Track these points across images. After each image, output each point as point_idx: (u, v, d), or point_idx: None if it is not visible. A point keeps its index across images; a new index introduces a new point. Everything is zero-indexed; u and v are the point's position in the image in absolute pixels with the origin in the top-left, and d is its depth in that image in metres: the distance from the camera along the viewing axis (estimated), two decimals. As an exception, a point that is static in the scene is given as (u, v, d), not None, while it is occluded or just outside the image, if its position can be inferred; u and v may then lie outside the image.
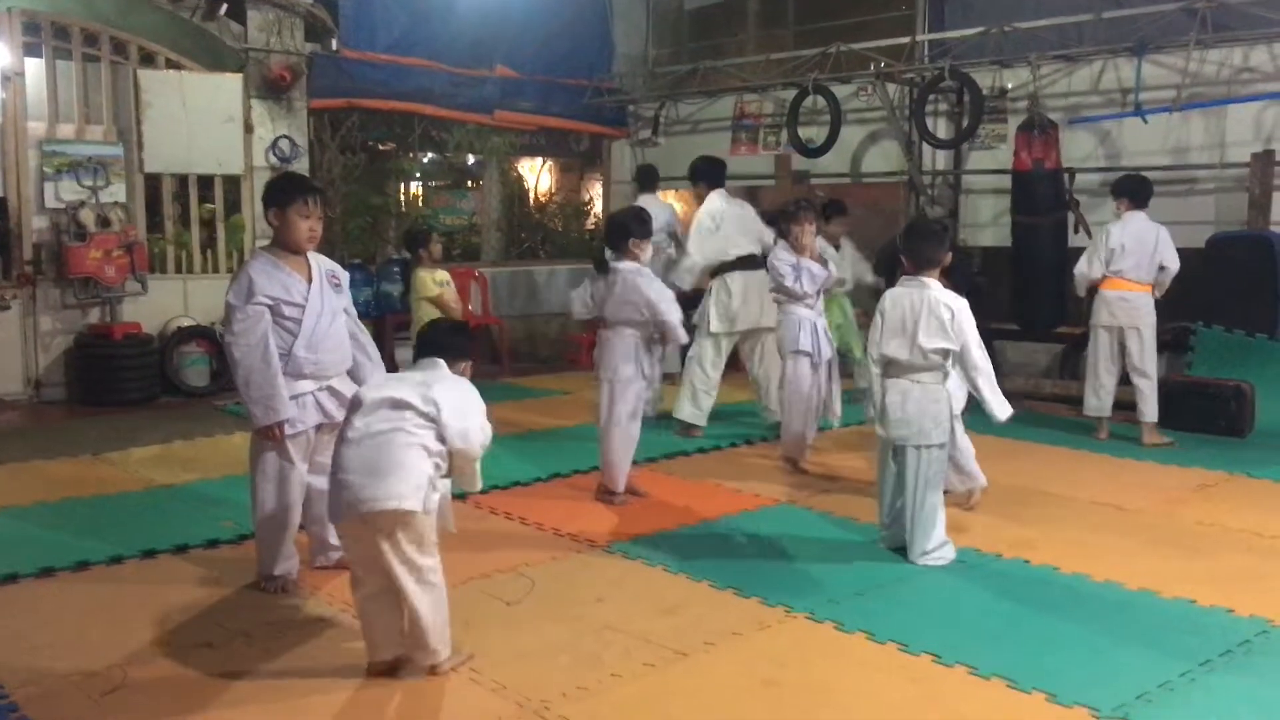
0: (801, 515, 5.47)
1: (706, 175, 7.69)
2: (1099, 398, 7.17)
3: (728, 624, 3.99)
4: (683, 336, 5.77)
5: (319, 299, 4.25)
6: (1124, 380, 7.15)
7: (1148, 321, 6.97)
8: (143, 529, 5.10)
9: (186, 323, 8.92)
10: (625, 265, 5.62)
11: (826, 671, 3.62)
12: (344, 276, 4.47)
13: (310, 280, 4.25)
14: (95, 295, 8.55)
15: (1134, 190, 7.05)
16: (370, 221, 10.46)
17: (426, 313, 7.24)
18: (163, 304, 8.93)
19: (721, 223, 7.38)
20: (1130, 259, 6.90)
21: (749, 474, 6.27)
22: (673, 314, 5.57)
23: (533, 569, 4.58)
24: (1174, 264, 6.91)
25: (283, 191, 4.26)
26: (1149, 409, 7.02)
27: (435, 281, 7.49)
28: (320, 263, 4.36)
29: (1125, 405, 7.50)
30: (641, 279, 5.58)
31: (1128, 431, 7.19)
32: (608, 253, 5.82)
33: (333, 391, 4.29)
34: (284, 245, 4.25)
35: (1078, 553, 4.79)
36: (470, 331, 4.27)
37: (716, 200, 7.52)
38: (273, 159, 9.31)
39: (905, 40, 9.43)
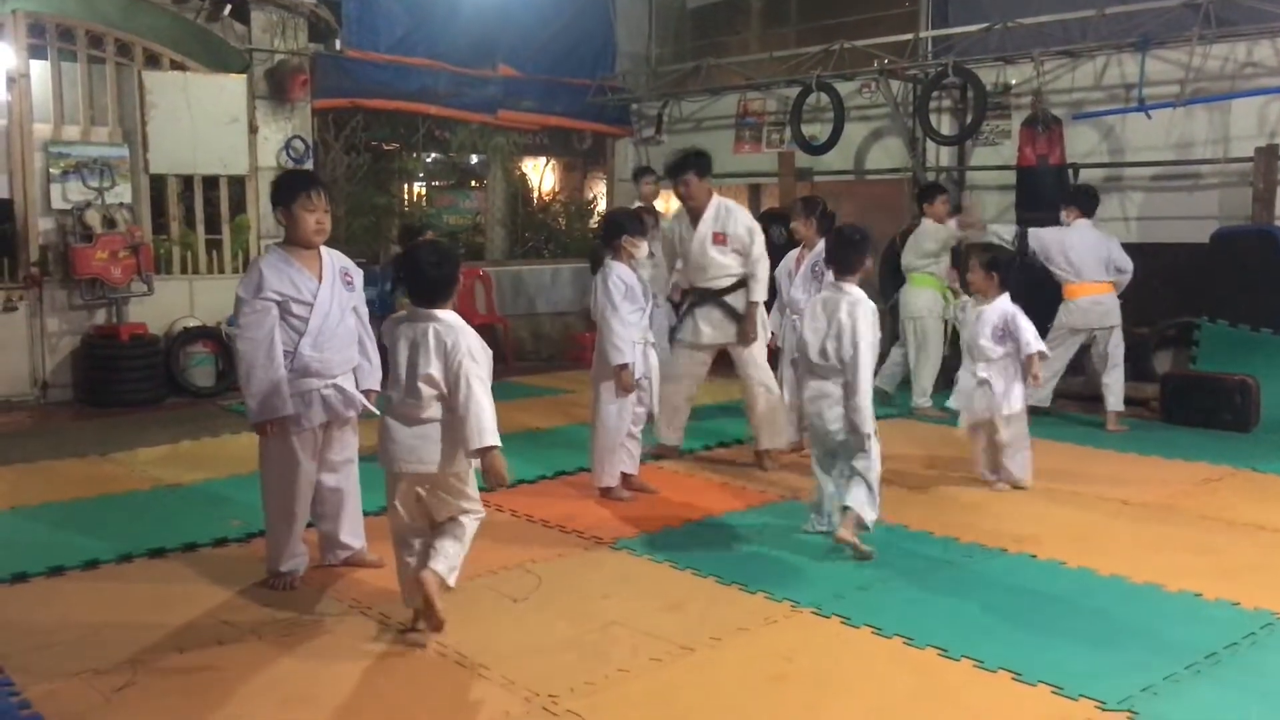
0: (806, 511, 5.46)
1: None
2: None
3: (734, 619, 4.00)
4: (615, 357, 5.44)
5: (329, 296, 4.26)
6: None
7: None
8: (151, 528, 5.12)
9: (192, 323, 8.95)
10: (607, 263, 5.62)
11: (833, 665, 3.63)
12: (357, 275, 4.47)
13: (321, 278, 4.27)
14: (101, 296, 8.58)
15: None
16: (374, 221, 10.49)
17: None
18: (169, 304, 8.94)
19: None
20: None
21: (753, 470, 6.28)
22: (606, 328, 5.47)
23: (539, 565, 4.59)
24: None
25: (287, 188, 4.28)
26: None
27: None
28: (334, 259, 4.37)
29: (1091, 398, 7.69)
30: (599, 283, 5.57)
31: (1134, 424, 7.25)
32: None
33: (339, 389, 4.30)
34: (295, 242, 4.27)
35: (1083, 547, 4.80)
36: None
37: None
38: (286, 159, 9.33)
39: (908, 37, 9.43)
